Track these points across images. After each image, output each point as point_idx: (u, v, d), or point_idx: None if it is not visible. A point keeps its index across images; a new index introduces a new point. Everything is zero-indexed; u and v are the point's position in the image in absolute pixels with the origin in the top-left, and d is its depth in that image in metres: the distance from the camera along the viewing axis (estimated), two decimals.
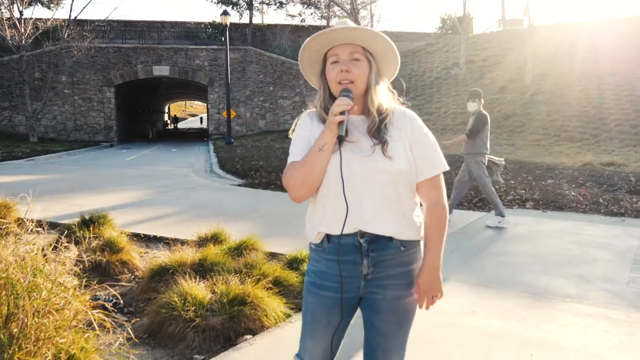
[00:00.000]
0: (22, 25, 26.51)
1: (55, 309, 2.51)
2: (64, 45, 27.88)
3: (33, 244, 2.80)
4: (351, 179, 1.81)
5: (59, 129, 30.09)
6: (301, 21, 42.03)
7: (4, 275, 2.43)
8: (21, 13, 27.08)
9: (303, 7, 42.87)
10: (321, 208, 1.88)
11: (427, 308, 1.91)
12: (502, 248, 5.98)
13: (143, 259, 5.29)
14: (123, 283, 4.64)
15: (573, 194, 9.55)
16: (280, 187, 10.84)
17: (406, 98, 2.01)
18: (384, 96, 1.92)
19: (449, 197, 6.99)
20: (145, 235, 6.31)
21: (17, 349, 2.31)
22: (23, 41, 26.44)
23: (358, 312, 2.00)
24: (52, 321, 2.47)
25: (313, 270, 1.96)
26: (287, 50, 36.25)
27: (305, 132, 1.93)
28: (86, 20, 31.36)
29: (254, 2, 41.59)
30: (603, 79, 22.31)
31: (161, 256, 4.76)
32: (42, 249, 2.79)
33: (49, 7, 37.04)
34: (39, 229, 3.08)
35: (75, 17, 30.26)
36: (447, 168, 1.92)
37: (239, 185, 11.74)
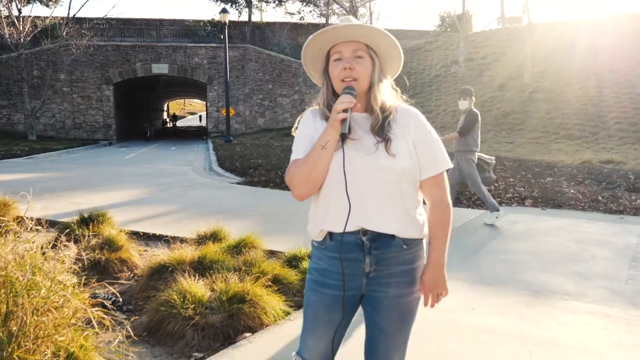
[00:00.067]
0: (21, 23, 26.44)
1: (54, 307, 2.51)
2: (63, 43, 27.83)
3: (32, 242, 2.80)
4: (354, 176, 1.81)
5: (57, 127, 30.07)
6: (300, 19, 41.97)
7: (3, 273, 2.43)
8: (20, 11, 27.01)
9: (302, 4, 42.80)
10: (324, 206, 1.88)
11: (432, 306, 1.91)
12: (501, 246, 5.98)
13: (142, 257, 5.29)
14: (122, 281, 4.64)
15: (572, 191, 9.56)
16: (279, 185, 10.84)
17: (408, 95, 2.01)
18: (387, 94, 1.92)
19: None
20: (144, 234, 6.30)
21: (16, 347, 2.31)
22: (22, 39, 26.38)
23: (358, 309, 2.00)
24: (51, 319, 2.47)
25: (315, 268, 1.96)
26: (286, 48, 36.20)
27: (308, 129, 1.93)
28: (85, 18, 31.24)
29: (252, 0, 41.54)
30: (602, 77, 22.31)
31: (160, 254, 4.76)
32: (41, 247, 2.79)
33: (47, 5, 36.94)
34: (39, 227, 3.07)
35: (74, 15, 30.16)
36: (451, 166, 1.92)
37: (238, 183, 11.74)
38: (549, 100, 21.71)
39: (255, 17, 42.20)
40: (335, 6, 38.34)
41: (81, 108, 30.31)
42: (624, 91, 20.93)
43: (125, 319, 3.59)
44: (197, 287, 3.68)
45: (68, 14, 29.85)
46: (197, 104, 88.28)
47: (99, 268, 4.71)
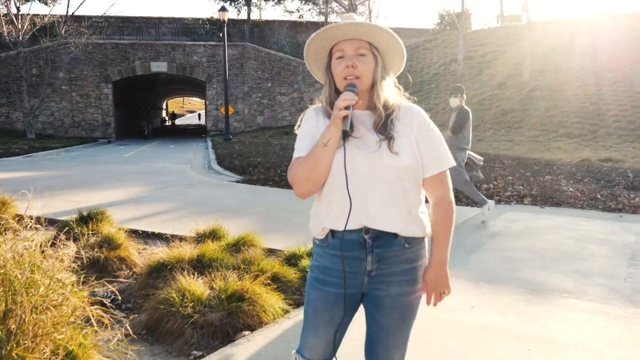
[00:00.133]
0: (19, 21, 26.41)
1: (53, 305, 2.51)
2: (62, 42, 27.81)
3: (31, 241, 2.80)
4: (356, 174, 1.80)
5: (56, 126, 30.05)
6: (299, 17, 41.97)
7: (1, 271, 2.43)
8: (18, 9, 26.97)
9: (301, 3, 42.79)
10: (326, 204, 1.87)
11: (434, 304, 1.91)
12: (499, 244, 5.98)
13: (141, 255, 5.29)
14: (121, 279, 4.64)
15: (571, 189, 9.57)
16: (278, 184, 10.84)
17: (410, 92, 2.00)
18: (390, 91, 1.91)
19: None
20: (143, 232, 6.30)
21: (15, 345, 2.31)
22: (20, 37, 26.36)
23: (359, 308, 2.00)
24: (50, 317, 2.47)
25: (316, 266, 1.95)
26: (285, 46, 36.18)
27: (310, 127, 1.92)
28: (83, 17, 31.21)
29: None
30: (601, 75, 22.31)
31: (159, 252, 4.76)
32: (40, 246, 2.79)
33: (46, 3, 36.90)
34: (38, 225, 3.07)
35: (73, 13, 30.14)
36: (454, 164, 1.92)
37: (237, 181, 11.73)
38: (548, 99, 21.72)
39: (255, 15, 42.17)
40: (334, 4, 38.33)
41: (80, 106, 30.29)
42: (623, 89, 20.94)
43: (124, 317, 3.59)
44: (196, 286, 3.68)
45: (67, 12, 29.84)
46: (196, 102, 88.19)
47: (98, 266, 4.70)
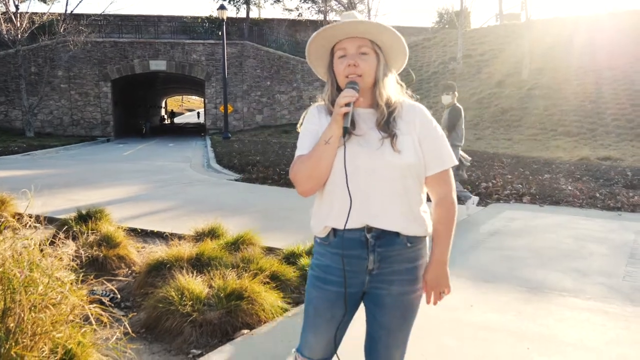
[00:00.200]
0: (18, 19, 26.38)
1: (52, 304, 2.50)
2: (60, 40, 27.76)
3: (30, 239, 2.80)
4: (358, 172, 1.80)
5: (55, 124, 30.02)
6: (298, 15, 41.88)
7: (0, 270, 2.42)
8: (17, 7, 26.96)
9: (300, 1, 42.75)
10: (328, 202, 1.86)
11: (434, 303, 1.91)
12: (498, 242, 5.99)
13: (140, 254, 5.28)
14: (120, 278, 4.63)
15: (570, 188, 9.57)
16: (277, 182, 10.84)
17: (412, 89, 1.99)
18: (393, 89, 1.90)
19: None
20: (142, 230, 6.30)
21: (13, 344, 2.31)
22: (19, 35, 26.33)
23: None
24: (49, 316, 2.47)
25: (317, 264, 1.95)
26: (284, 45, 36.16)
27: (313, 125, 1.91)
28: (82, 15, 31.17)
29: None
30: (601, 74, 22.32)
31: (158, 251, 4.76)
32: (39, 244, 2.78)
33: (44, 2, 36.81)
34: (37, 224, 3.07)
35: (72, 12, 30.09)
36: (456, 162, 1.91)
37: (236, 180, 11.72)
38: (547, 97, 21.73)
39: (253, 14, 42.10)
40: (333, 2, 38.32)
41: (79, 105, 30.26)
42: (622, 88, 20.95)
43: (123, 315, 3.59)
44: (195, 284, 3.68)
45: (65, 10, 29.79)
46: (195, 101, 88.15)
47: (96, 265, 4.70)
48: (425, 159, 1.85)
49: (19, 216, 3.39)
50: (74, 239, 5.05)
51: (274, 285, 4.02)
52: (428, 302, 1.91)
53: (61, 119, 30.08)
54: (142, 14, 37.33)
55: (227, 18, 28.27)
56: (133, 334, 3.16)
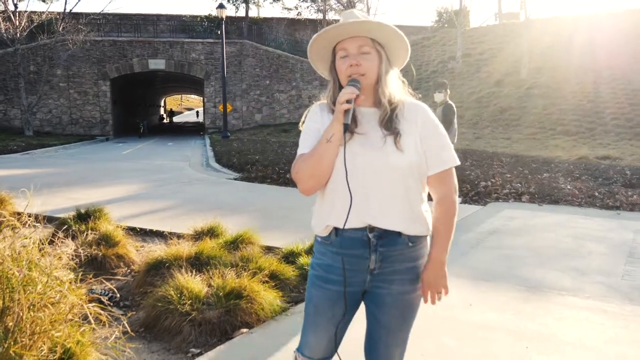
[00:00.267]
0: (17, 18, 26.35)
1: (50, 303, 2.50)
2: (59, 39, 27.72)
3: (29, 238, 2.79)
4: (360, 171, 1.79)
5: (54, 123, 29.99)
6: (297, 14, 41.82)
7: None
8: (16, 6, 26.91)
9: (299, 0, 42.72)
10: (330, 201, 1.86)
11: (432, 303, 1.90)
12: (497, 241, 5.99)
13: (139, 253, 5.28)
14: (119, 277, 4.63)
15: (569, 187, 9.58)
16: (276, 181, 10.84)
17: (412, 86, 1.99)
18: (395, 86, 1.90)
19: None
20: (141, 229, 6.30)
21: (12, 343, 2.31)
22: (18, 34, 26.29)
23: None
24: (48, 315, 2.46)
25: (318, 264, 1.94)
26: (284, 44, 36.15)
27: (315, 123, 1.90)
28: (81, 14, 31.16)
29: None
30: (599, 73, 22.33)
31: (157, 250, 4.75)
32: (39, 243, 2.78)
33: (43, 0, 36.69)
34: (36, 223, 3.06)
35: (70, 10, 30.05)
36: (458, 162, 1.90)
37: (235, 179, 11.72)
38: (546, 96, 21.74)
39: (253, 13, 42.06)
40: (332, 1, 38.23)
41: (78, 104, 30.23)
42: (620, 87, 20.97)
43: (122, 314, 3.59)
44: (194, 283, 3.68)
45: (64, 9, 29.74)
46: (194, 100, 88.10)
47: (95, 264, 4.70)
48: (427, 159, 1.84)
49: (18, 215, 3.39)
50: (73, 238, 5.05)
51: (273, 284, 4.02)
52: (425, 301, 1.91)
53: (60, 117, 30.05)
54: (141, 13, 37.37)
55: (226, 17, 28.26)
56: (132, 333, 3.16)
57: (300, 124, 1.96)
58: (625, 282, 4.57)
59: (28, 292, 2.42)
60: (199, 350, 3.21)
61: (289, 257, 4.82)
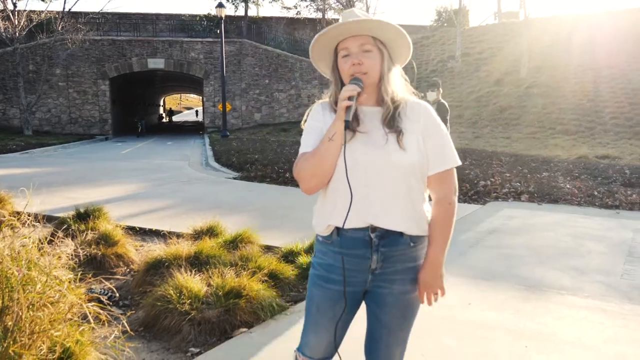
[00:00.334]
0: (16, 17, 26.32)
1: (50, 302, 2.50)
2: (58, 38, 27.70)
3: (28, 237, 2.79)
4: (362, 171, 1.79)
5: (53, 122, 29.96)
6: (297, 14, 41.82)
7: None
8: (15, 5, 26.88)
9: None
10: (332, 201, 1.85)
11: (429, 304, 1.89)
12: (497, 241, 5.99)
13: (138, 252, 5.28)
14: (118, 276, 4.63)
15: (568, 186, 9.58)
16: (275, 180, 10.83)
17: (413, 85, 1.98)
18: (397, 83, 1.89)
19: None
20: (140, 229, 6.29)
21: (11, 342, 2.30)
22: (17, 33, 26.26)
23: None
24: (47, 314, 2.46)
25: (319, 263, 1.94)
26: (283, 43, 36.13)
27: (317, 122, 1.89)
28: (80, 13, 31.17)
29: None
30: (599, 72, 22.34)
31: (157, 249, 4.75)
32: (38, 242, 2.78)
33: (42, 0, 36.81)
34: (36, 222, 3.06)
35: (69, 10, 30.05)
36: (459, 163, 1.89)
37: (235, 178, 11.72)
38: (546, 95, 21.75)
39: (252, 12, 42.05)
40: (331, 1, 38.21)
41: (77, 103, 30.21)
42: (620, 86, 20.97)
43: (121, 314, 3.58)
44: (194, 282, 3.67)
45: (63, 8, 29.74)
46: (193, 99, 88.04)
47: (95, 263, 4.70)
48: (428, 158, 1.83)
49: (17, 214, 3.38)
50: (73, 237, 5.05)
51: (273, 283, 4.02)
52: (422, 302, 1.90)
53: (59, 117, 30.03)
54: (140, 12, 37.30)
55: (226, 16, 28.26)
56: (131, 333, 3.16)
57: (302, 122, 1.95)
58: (625, 281, 4.57)
59: (27, 291, 2.42)
60: (198, 350, 3.21)
61: (289, 257, 4.82)
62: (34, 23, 26.61)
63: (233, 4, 40.36)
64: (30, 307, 2.41)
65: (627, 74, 21.66)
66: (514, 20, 36.73)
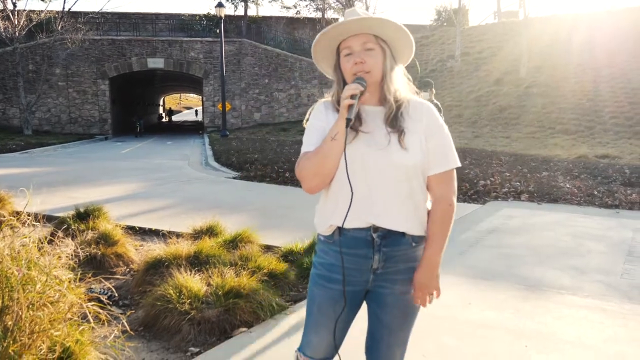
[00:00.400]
0: (16, 17, 26.31)
1: (49, 302, 2.50)
2: (58, 38, 27.68)
3: (28, 237, 2.79)
4: (364, 170, 1.79)
5: (53, 122, 29.95)
6: (296, 13, 41.79)
7: None
8: (14, 5, 26.87)
9: None
10: (334, 200, 1.85)
11: (423, 305, 1.88)
12: (496, 240, 5.99)
13: (138, 252, 5.28)
14: (118, 276, 4.63)
15: (568, 186, 9.58)
16: (275, 180, 10.83)
17: (416, 84, 1.97)
18: (400, 83, 1.89)
19: None
20: (140, 228, 6.29)
21: (11, 342, 2.30)
22: (16, 33, 26.24)
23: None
24: (47, 314, 2.46)
25: (321, 263, 1.93)
26: (282, 42, 36.11)
27: (319, 121, 1.89)
28: (80, 12, 31.12)
29: None
30: (599, 72, 22.34)
31: (156, 249, 4.75)
32: (38, 242, 2.78)
33: None
34: (36, 222, 3.06)
35: (69, 9, 30.02)
36: (459, 164, 1.88)
37: (235, 178, 11.72)
38: (545, 95, 21.74)
39: (251, 12, 42.04)
40: (331, 0, 38.21)
41: (77, 102, 30.19)
42: (620, 85, 20.97)
43: (121, 313, 3.58)
44: (193, 282, 3.67)
45: (63, 8, 29.71)
46: (193, 99, 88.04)
47: (94, 263, 4.70)
48: (429, 158, 1.83)
49: (17, 214, 3.38)
50: (72, 237, 5.05)
51: (272, 283, 4.02)
52: (416, 302, 1.89)
53: (59, 116, 30.01)
54: (139, 12, 37.34)
55: (225, 16, 28.25)
56: (131, 332, 3.16)
57: (305, 121, 1.95)
58: (624, 281, 4.58)
59: (27, 291, 2.42)
60: (198, 349, 3.21)
61: (288, 256, 4.82)
62: (34, 23, 26.59)
63: (232, 3, 40.36)
64: (30, 306, 2.41)
65: (627, 73, 21.66)
66: (513, 19, 36.72)
